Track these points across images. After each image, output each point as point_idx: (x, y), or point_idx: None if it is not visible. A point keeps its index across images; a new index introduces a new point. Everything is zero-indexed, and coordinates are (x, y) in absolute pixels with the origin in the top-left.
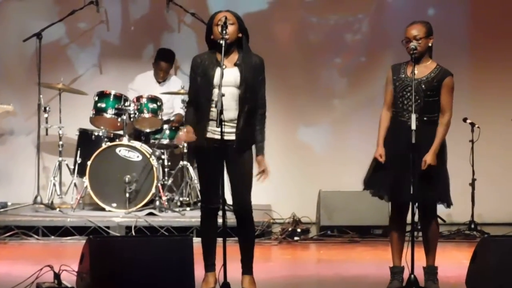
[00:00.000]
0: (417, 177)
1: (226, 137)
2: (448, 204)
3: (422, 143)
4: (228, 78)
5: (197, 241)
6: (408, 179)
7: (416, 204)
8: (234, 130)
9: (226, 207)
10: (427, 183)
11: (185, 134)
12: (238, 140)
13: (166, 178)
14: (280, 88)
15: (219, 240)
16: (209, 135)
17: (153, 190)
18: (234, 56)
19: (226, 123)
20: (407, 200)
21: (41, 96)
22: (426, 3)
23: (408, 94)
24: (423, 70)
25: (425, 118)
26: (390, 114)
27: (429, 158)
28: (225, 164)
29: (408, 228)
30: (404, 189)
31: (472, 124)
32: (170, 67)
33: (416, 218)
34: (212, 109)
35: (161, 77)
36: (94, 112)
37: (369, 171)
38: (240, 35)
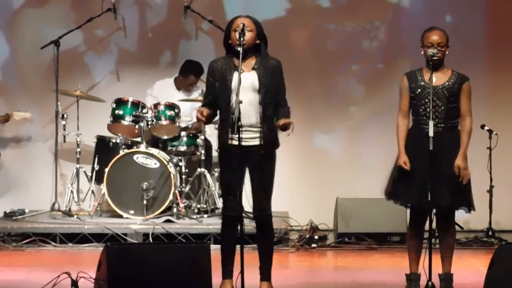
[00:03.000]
0: (441, 184)
1: (248, 143)
2: (469, 208)
3: (446, 149)
4: (245, 82)
5: (214, 248)
6: (432, 186)
7: (434, 210)
8: (255, 135)
9: (243, 214)
10: (451, 189)
11: (199, 114)
12: (266, 144)
13: (183, 185)
14: (297, 95)
15: (237, 246)
16: (231, 141)
17: (171, 197)
18: (251, 61)
19: (247, 129)
20: (439, 207)
21: (58, 103)
22: (443, 10)
23: (432, 102)
24: (442, 76)
25: (449, 125)
26: (407, 121)
27: (461, 163)
28: (247, 170)
29: (426, 235)
30: (431, 197)
31: (490, 131)
32: (197, 81)
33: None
34: (231, 115)
35: (189, 89)
36: (111, 119)
37: (390, 181)
38: (258, 41)
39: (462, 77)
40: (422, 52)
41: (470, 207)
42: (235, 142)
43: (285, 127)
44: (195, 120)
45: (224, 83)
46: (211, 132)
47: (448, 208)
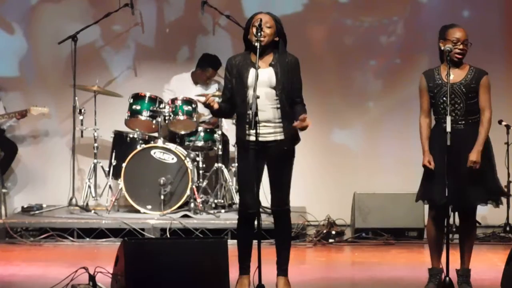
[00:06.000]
0: (465, 180)
1: (266, 138)
2: (497, 203)
3: (469, 145)
4: (262, 78)
5: (231, 243)
6: (456, 183)
7: (451, 206)
8: (273, 130)
9: (261, 210)
10: (472, 185)
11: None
12: (288, 140)
13: (200, 180)
14: (315, 90)
15: (254, 242)
16: (248, 137)
17: (188, 192)
18: (269, 57)
19: (264, 124)
20: (463, 203)
21: (76, 98)
22: (461, 5)
23: (450, 99)
24: (460, 73)
25: (469, 121)
26: (428, 121)
27: (473, 156)
28: (265, 166)
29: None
30: (453, 193)
31: (508, 126)
32: (215, 74)
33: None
34: (248, 111)
35: (207, 83)
36: (129, 114)
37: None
38: (277, 38)
39: (480, 72)
40: (442, 48)
41: (498, 201)
42: (253, 138)
43: (302, 127)
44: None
45: (240, 80)
46: (228, 127)
47: (473, 204)
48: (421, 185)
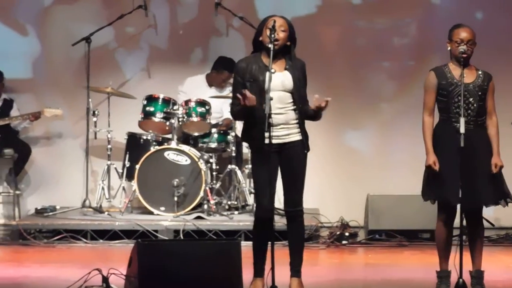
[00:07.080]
0: (477, 180)
1: (280, 140)
2: (507, 201)
3: (478, 146)
4: (277, 82)
5: (245, 245)
6: (468, 184)
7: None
8: (286, 132)
9: (274, 211)
10: (487, 186)
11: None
12: (304, 142)
13: (214, 181)
14: (328, 91)
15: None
16: (267, 141)
17: (201, 193)
18: (282, 61)
19: (282, 126)
20: (474, 204)
21: (90, 100)
22: (474, 7)
23: (465, 99)
24: (470, 74)
25: (478, 122)
26: (432, 119)
27: (498, 160)
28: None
29: (456, 232)
30: (464, 194)
31: None
32: (231, 78)
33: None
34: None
35: (221, 86)
36: (142, 116)
37: (424, 181)
38: (288, 43)
39: (488, 75)
40: (449, 48)
41: (507, 199)
42: (267, 141)
43: (321, 107)
44: (225, 116)
45: (257, 84)
46: (241, 129)
47: (484, 205)
48: (429, 185)
